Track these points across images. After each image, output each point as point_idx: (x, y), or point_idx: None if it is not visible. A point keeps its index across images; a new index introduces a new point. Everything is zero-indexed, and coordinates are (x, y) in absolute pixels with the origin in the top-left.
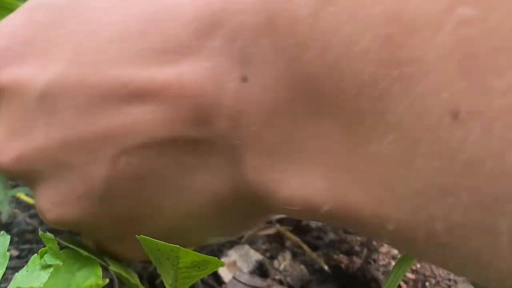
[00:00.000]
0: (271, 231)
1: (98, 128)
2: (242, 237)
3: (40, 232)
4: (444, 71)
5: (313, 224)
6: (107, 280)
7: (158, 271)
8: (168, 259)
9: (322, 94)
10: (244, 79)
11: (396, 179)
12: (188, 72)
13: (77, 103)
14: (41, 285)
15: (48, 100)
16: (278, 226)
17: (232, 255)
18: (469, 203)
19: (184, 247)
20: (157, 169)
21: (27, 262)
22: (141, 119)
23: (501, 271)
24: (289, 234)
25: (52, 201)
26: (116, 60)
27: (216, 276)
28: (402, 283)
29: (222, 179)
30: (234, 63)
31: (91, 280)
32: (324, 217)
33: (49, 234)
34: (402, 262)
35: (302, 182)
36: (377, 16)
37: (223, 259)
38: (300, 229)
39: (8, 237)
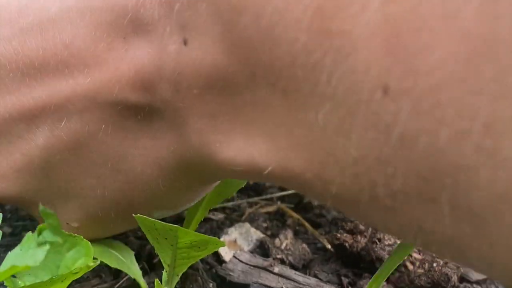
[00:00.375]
0: (271, 208)
1: (38, 94)
2: (242, 214)
3: (41, 207)
4: (372, 47)
5: (315, 201)
6: (98, 261)
7: (156, 251)
8: (166, 239)
9: (258, 60)
10: (185, 42)
11: (335, 146)
12: (130, 36)
13: (18, 66)
14: (37, 264)
15: None
16: (279, 203)
17: (233, 233)
18: (408, 174)
19: (129, 225)
20: (97, 135)
21: (20, 239)
22: (81, 83)
23: (444, 237)
24: (291, 212)
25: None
26: (60, 24)
27: (216, 255)
28: (408, 264)
29: (165, 143)
30: (175, 26)
31: (81, 261)
32: (267, 178)
33: (49, 210)
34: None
35: (245, 143)
36: None
37: (223, 238)
38: (301, 206)
39: (0, 214)
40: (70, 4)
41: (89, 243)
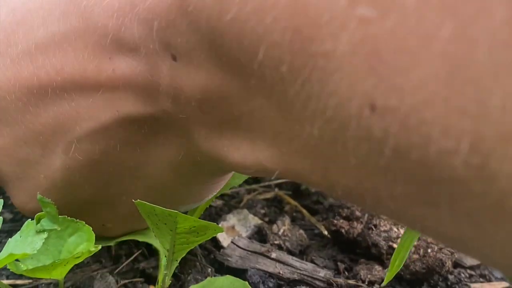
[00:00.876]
0: (269, 195)
1: (44, 120)
2: (241, 201)
3: (39, 196)
4: (354, 66)
5: (312, 189)
6: (100, 246)
7: (155, 236)
8: (165, 224)
9: (248, 77)
10: (174, 58)
11: (335, 154)
12: (115, 56)
13: (17, 96)
14: (35, 252)
15: None
16: (276, 190)
17: (231, 219)
18: (407, 181)
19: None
20: (109, 151)
21: (21, 225)
22: (83, 106)
23: (447, 236)
24: (288, 199)
25: (23, 199)
26: (48, 50)
27: (214, 241)
28: None
29: (174, 151)
30: (159, 44)
31: (83, 246)
32: (279, 177)
33: (46, 198)
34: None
35: (251, 148)
36: (283, 9)
37: (221, 224)
38: (299, 193)
39: (1, 200)
40: (54, 29)
41: (91, 228)
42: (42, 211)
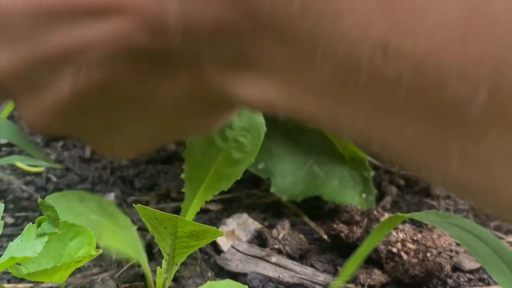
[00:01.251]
0: (269, 200)
1: (53, 43)
2: (241, 205)
3: (39, 200)
4: (367, 9)
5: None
6: (100, 250)
7: (155, 241)
8: (165, 228)
9: (259, 15)
10: None
11: (344, 96)
12: None
13: (30, 15)
14: (35, 255)
15: (3, 13)
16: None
17: (231, 223)
18: (419, 122)
19: (165, 142)
20: (117, 79)
21: (22, 229)
22: (93, 32)
23: (453, 181)
24: (288, 203)
25: (32, 115)
26: None
27: (214, 245)
28: (403, 254)
29: (183, 84)
30: None
31: (84, 250)
32: (285, 116)
33: (47, 202)
34: (384, 225)
35: (260, 87)
36: None
37: (221, 228)
38: None
39: (3, 204)
40: None
41: (91, 232)
42: (50, 127)
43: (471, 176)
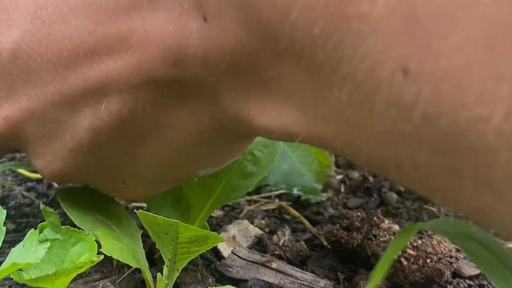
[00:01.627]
0: (270, 206)
1: (74, 82)
2: (241, 212)
3: (42, 206)
4: (390, 29)
5: (313, 199)
6: (102, 256)
7: (157, 246)
8: (167, 234)
9: (278, 39)
10: (205, 19)
11: (360, 120)
12: (151, 17)
13: (48, 58)
14: (37, 261)
15: (20, 58)
16: (277, 201)
17: (232, 230)
18: (432, 149)
19: (175, 183)
20: (136, 112)
21: (24, 236)
22: (113, 67)
23: (468, 206)
24: (290, 209)
25: (46, 158)
26: (80, 12)
27: (215, 251)
28: (403, 260)
29: (201, 114)
30: (192, 3)
31: (86, 256)
32: (301, 142)
33: (49, 208)
34: (401, 236)
35: (277, 112)
36: None
37: (222, 234)
38: (299, 204)
39: (4, 211)
40: None
41: (93, 238)
42: (64, 173)
43: (487, 199)
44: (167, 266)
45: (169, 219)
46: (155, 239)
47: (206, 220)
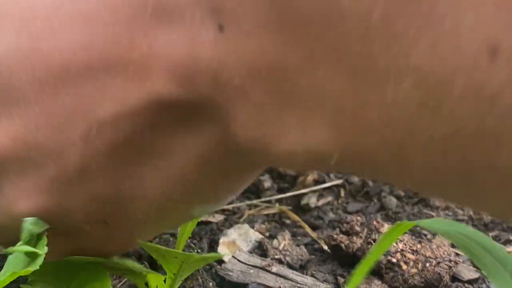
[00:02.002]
0: (270, 210)
1: (62, 102)
2: (242, 216)
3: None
4: (475, 5)
5: (313, 203)
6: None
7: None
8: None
9: (318, 39)
10: (221, 28)
11: (419, 124)
12: (152, 30)
13: (34, 76)
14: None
15: (1, 75)
16: (277, 205)
17: (232, 234)
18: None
19: (171, 227)
20: (132, 138)
21: None
22: (109, 87)
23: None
24: (289, 214)
25: (25, 188)
26: (74, 24)
27: None
28: (402, 264)
29: (206, 140)
30: (206, 11)
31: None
32: (331, 166)
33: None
34: (389, 233)
35: (303, 133)
36: None
37: (222, 239)
38: (300, 208)
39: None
40: (81, 4)
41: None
42: (43, 207)
43: (489, 180)
44: (170, 278)
45: (175, 251)
46: (160, 260)
47: (206, 225)
